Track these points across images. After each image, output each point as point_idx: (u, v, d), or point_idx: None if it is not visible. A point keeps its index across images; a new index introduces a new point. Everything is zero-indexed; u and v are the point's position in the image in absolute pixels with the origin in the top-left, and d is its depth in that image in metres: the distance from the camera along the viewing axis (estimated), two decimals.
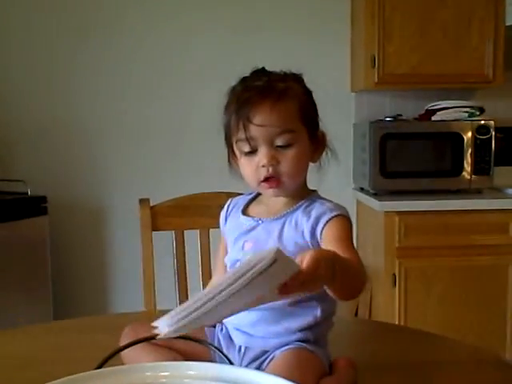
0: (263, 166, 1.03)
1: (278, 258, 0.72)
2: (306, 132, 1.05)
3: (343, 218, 1.04)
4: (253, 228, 1.08)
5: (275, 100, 1.01)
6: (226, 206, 1.17)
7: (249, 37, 3.24)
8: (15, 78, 3.24)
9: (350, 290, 0.94)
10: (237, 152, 1.07)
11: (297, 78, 1.09)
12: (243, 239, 1.08)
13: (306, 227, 1.03)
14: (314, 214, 1.04)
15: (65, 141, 3.27)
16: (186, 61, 3.26)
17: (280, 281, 0.76)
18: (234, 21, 3.25)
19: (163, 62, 3.26)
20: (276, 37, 3.22)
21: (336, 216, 1.03)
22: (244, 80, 1.07)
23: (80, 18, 3.22)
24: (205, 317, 0.70)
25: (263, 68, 1.09)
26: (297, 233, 1.04)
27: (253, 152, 1.03)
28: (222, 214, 1.17)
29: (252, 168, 1.04)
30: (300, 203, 1.07)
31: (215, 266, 1.18)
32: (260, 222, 1.08)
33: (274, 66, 1.10)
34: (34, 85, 3.24)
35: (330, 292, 0.89)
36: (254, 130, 1.01)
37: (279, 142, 1.02)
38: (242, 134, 1.02)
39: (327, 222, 1.02)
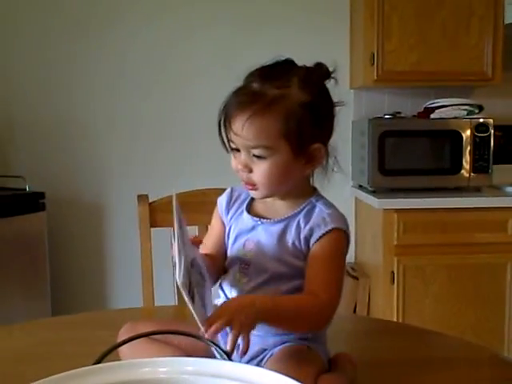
0: (239, 170, 1.03)
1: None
2: (290, 147, 0.99)
3: (338, 232, 1.02)
4: (253, 227, 1.07)
5: (256, 111, 0.97)
6: (227, 195, 1.15)
7: (247, 33, 3.23)
8: (14, 75, 3.24)
9: (297, 328, 0.99)
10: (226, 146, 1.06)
11: (305, 82, 1.01)
12: (244, 238, 1.07)
13: (302, 235, 1.03)
14: (311, 222, 1.03)
15: (63, 137, 3.26)
16: (185, 57, 3.25)
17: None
18: (232, 17, 3.25)
19: (162, 59, 3.25)
20: (275, 34, 3.21)
21: (331, 231, 1.01)
22: (251, 73, 1.04)
23: (79, 14, 3.21)
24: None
25: (286, 60, 1.05)
26: (295, 237, 1.03)
27: (237, 150, 1.03)
28: (223, 202, 1.14)
29: (235, 166, 1.04)
30: (302, 206, 1.06)
31: (204, 244, 1.15)
32: (260, 223, 1.07)
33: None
34: (33, 81, 3.24)
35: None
36: (232, 135, 1.00)
37: (254, 152, 1.00)
38: (224, 134, 1.02)
39: (320, 237, 1.01)
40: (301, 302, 0.97)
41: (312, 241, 1.02)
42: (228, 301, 0.95)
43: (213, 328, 0.86)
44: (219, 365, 0.72)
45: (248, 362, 1.02)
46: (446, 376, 1.08)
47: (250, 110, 0.96)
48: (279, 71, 1.02)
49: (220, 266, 1.10)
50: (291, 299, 0.98)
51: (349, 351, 1.09)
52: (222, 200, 1.15)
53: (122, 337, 1.05)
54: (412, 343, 1.27)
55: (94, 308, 3.21)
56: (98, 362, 0.81)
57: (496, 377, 1.10)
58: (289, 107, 0.98)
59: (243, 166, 1.01)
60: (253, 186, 1.03)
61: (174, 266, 0.85)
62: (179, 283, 0.83)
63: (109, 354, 0.78)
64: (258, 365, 1.01)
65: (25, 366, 1.12)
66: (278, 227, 1.05)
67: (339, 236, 1.02)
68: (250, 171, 1.01)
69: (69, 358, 1.03)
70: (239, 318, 0.87)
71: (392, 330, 1.41)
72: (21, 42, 3.21)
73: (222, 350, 0.85)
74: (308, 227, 1.02)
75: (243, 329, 0.88)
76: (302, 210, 1.05)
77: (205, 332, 0.86)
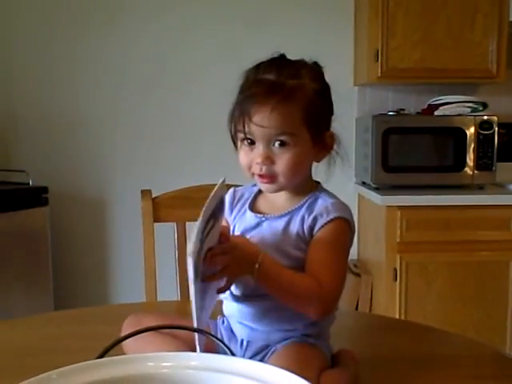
0: (257, 164, 1.02)
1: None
2: (309, 134, 1.03)
3: (341, 221, 1.02)
4: (257, 225, 1.07)
5: (278, 101, 0.98)
6: (230, 195, 1.15)
7: (250, 31, 3.23)
8: (18, 70, 3.24)
9: (289, 302, 0.98)
10: (237, 142, 1.06)
11: (313, 72, 1.05)
12: (249, 235, 1.07)
13: (306, 225, 1.03)
14: (314, 211, 1.03)
15: (67, 132, 3.26)
16: (188, 53, 3.25)
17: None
18: (235, 15, 3.24)
19: (166, 54, 3.25)
20: (278, 31, 3.21)
21: (333, 219, 1.01)
22: (258, 68, 1.04)
23: (83, 10, 3.21)
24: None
25: (282, 55, 1.06)
26: (299, 230, 1.03)
27: (251, 144, 1.03)
28: (227, 202, 1.14)
29: (248, 160, 1.03)
30: (304, 200, 1.06)
31: None
32: (264, 219, 1.07)
33: None
34: (37, 76, 3.24)
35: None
36: (253, 128, 1.00)
37: (277, 142, 1.00)
38: (241, 128, 1.01)
39: (323, 225, 1.01)
40: (301, 279, 0.97)
41: (316, 229, 1.02)
42: (236, 241, 0.94)
43: (208, 262, 0.89)
44: (223, 360, 0.72)
45: (251, 358, 1.02)
46: (448, 373, 1.07)
47: (273, 99, 0.98)
48: (288, 63, 1.04)
49: None
50: (293, 272, 0.98)
51: (351, 348, 1.09)
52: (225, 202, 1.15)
53: (125, 328, 1.05)
54: (414, 340, 1.27)
55: (96, 303, 3.21)
56: (101, 356, 0.81)
57: (498, 374, 1.10)
58: (307, 95, 1.02)
59: (264, 158, 1.01)
60: (271, 178, 1.02)
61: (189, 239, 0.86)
62: (189, 251, 0.84)
63: (112, 348, 0.78)
64: (261, 360, 1.01)
65: (27, 360, 1.12)
66: (282, 221, 1.05)
67: (342, 225, 1.03)
68: (272, 163, 1.01)
69: (72, 353, 1.03)
70: (233, 266, 0.92)
71: (394, 327, 1.40)
72: (25, 36, 3.21)
73: (225, 345, 0.85)
74: (312, 217, 1.03)
75: (230, 277, 0.94)
76: (305, 203, 1.06)
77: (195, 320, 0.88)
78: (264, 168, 1.01)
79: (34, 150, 3.26)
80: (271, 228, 1.05)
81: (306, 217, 1.03)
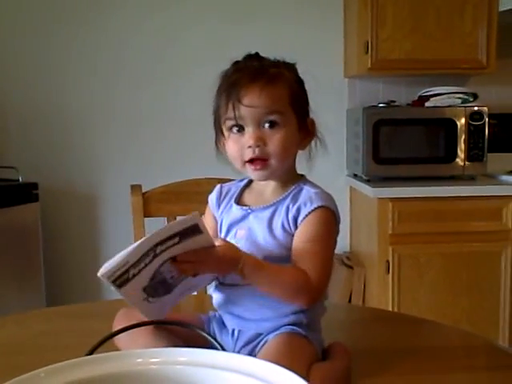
0: (249, 147, 1.02)
1: (199, 224, 0.89)
2: (295, 118, 1.05)
3: (325, 210, 1.03)
4: (244, 217, 1.08)
5: (265, 83, 1.01)
6: (216, 192, 1.16)
7: (241, 22, 3.21)
8: (7, 65, 3.21)
9: (277, 294, 0.99)
10: (225, 132, 1.07)
11: (289, 66, 1.09)
12: (236, 228, 1.08)
13: (290, 216, 1.03)
14: (298, 202, 1.04)
15: (56, 128, 3.25)
16: (177, 48, 3.24)
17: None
18: (225, 7, 3.23)
19: (155, 50, 3.23)
20: (268, 23, 3.20)
21: (316, 208, 1.02)
22: (236, 63, 1.07)
23: (74, 6, 3.19)
24: (133, 268, 0.86)
25: (256, 53, 1.09)
26: (284, 220, 1.04)
27: (240, 131, 1.04)
28: (214, 198, 1.16)
29: (238, 148, 1.04)
30: (289, 191, 1.07)
31: None
32: (250, 211, 1.08)
33: (266, 51, 1.09)
34: (27, 72, 3.21)
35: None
36: (243, 110, 1.01)
37: (267, 122, 1.02)
38: (230, 113, 1.02)
39: (306, 215, 1.02)
40: (288, 272, 0.99)
41: (300, 219, 1.02)
42: (221, 249, 0.94)
43: (183, 266, 0.92)
44: (212, 355, 0.71)
45: (243, 347, 1.03)
46: (441, 364, 1.07)
47: (261, 80, 1.01)
48: (260, 58, 1.08)
49: None
50: (279, 267, 1.00)
51: (343, 340, 1.09)
52: (212, 197, 1.17)
53: (117, 321, 1.05)
54: (407, 332, 1.27)
55: (88, 299, 3.20)
56: (90, 353, 0.80)
57: (491, 365, 1.10)
58: (289, 81, 1.06)
59: (257, 139, 1.02)
60: (264, 162, 1.03)
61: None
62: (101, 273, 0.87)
63: (100, 346, 0.77)
64: (252, 351, 1.02)
65: (17, 358, 1.11)
66: (268, 212, 1.06)
67: (326, 214, 1.03)
68: (265, 144, 1.02)
69: (62, 350, 1.02)
70: (213, 269, 0.96)
71: (387, 319, 1.40)
72: (15, 30, 3.18)
73: (215, 340, 0.85)
74: (296, 207, 1.03)
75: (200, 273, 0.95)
76: (289, 194, 1.07)
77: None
78: (257, 150, 1.02)
79: (24, 146, 3.24)
80: (257, 219, 1.06)
81: (291, 207, 1.04)
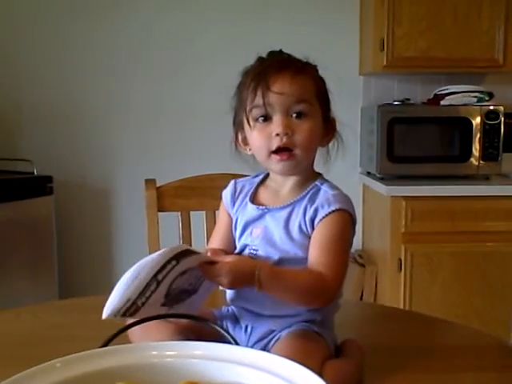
0: (277, 135, 1.01)
1: (189, 248, 0.89)
2: (321, 111, 1.05)
3: (343, 213, 1.02)
4: (260, 216, 1.07)
5: (295, 72, 1.02)
6: (231, 188, 1.15)
7: (255, 19, 3.21)
8: (25, 59, 3.23)
9: (295, 299, 0.99)
10: (250, 122, 1.05)
11: (312, 65, 1.09)
12: (251, 226, 1.07)
13: (308, 217, 1.03)
14: (316, 203, 1.03)
15: (71, 121, 3.26)
16: (194, 43, 3.24)
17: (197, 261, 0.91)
18: (243, 5, 3.23)
19: (172, 44, 3.24)
20: (284, 20, 3.19)
21: (334, 211, 1.01)
22: (261, 58, 1.07)
23: (91, 0, 3.20)
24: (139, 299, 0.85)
25: (280, 50, 1.09)
26: (301, 221, 1.03)
27: (267, 120, 1.02)
28: (228, 194, 1.14)
29: (265, 137, 1.02)
30: (307, 190, 1.06)
31: (212, 239, 1.17)
32: (266, 210, 1.07)
33: (283, 48, 1.09)
34: (43, 65, 3.23)
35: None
36: (272, 97, 1.00)
37: (296, 110, 1.02)
38: (259, 100, 1.01)
39: (323, 217, 1.01)
40: (304, 276, 0.98)
41: (316, 221, 1.02)
42: (234, 263, 0.95)
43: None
44: (227, 349, 0.72)
45: (256, 343, 1.03)
46: (452, 364, 1.07)
47: (290, 69, 1.02)
48: (284, 54, 1.08)
49: None
50: (295, 272, 0.99)
51: (356, 338, 1.09)
52: (226, 193, 1.16)
53: None
54: (419, 330, 1.27)
55: (101, 291, 3.21)
56: (105, 345, 0.81)
57: (502, 365, 1.10)
58: (314, 76, 1.07)
59: (285, 126, 1.01)
60: (290, 152, 1.02)
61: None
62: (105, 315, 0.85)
63: (115, 337, 0.78)
64: (265, 347, 1.02)
65: (32, 349, 1.12)
66: (284, 212, 1.05)
67: (344, 217, 1.02)
68: (293, 132, 1.01)
69: (76, 341, 1.03)
70: (232, 282, 0.93)
71: (399, 317, 1.40)
72: (30, 25, 3.20)
73: (230, 334, 0.85)
74: (313, 208, 1.03)
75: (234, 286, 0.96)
76: (307, 194, 1.06)
77: None
78: (285, 138, 1.01)
79: (39, 139, 3.26)
80: (273, 219, 1.05)
81: (308, 208, 1.03)
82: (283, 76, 1.01)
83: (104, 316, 0.83)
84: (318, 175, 1.10)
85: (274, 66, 1.02)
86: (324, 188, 1.05)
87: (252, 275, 0.93)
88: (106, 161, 3.30)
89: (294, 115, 1.02)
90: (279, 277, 0.96)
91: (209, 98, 3.19)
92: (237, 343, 0.80)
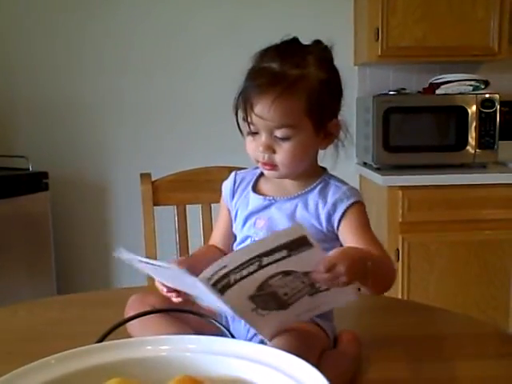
0: (260, 152, 1.03)
1: (307, 236, 0.76)
2: (312, 125, 1.03)
3: (360, 204, 1.05)
4: (266, 207, 1.07)
5: (280, 93, 0.97)
6: (231, 180, 1.15)
7: (251, 10, 3.20)
8: (18, 54, 3.21)
9: (383, 285, 0.98)
10: (243, 130, 1.06)
11: (320, 60, 1.04)
12: (255, 217, 1.08)
13: (323, 212, 1.03)
14: (330, 199, 1.04)
15: (66, 117, 3.25)
16: (187, 36, 3.22)
17: (306, 267, 0.80)
18: None
19: (164, 38, 3.22)
20: (278, 8, 3.18)
21: (353, 204, 1.04)
22: (265, 53, 1.04)
23: None
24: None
25: (294, 39, 1.06)
26: (311, 215, 1.04)
27: (254, 134, 1.03)
28: (228, 187, 1.15)
29: (253, 148, 1.04)
30: (314, 184, 1.07)
31: (213, 235, 1.17)
32: (273, 201, 1.07)
33: (276, 37, 1.07)
34: (37, 60, 3.21)
35: (362, 288, 0.92)
36: (255, 119, 1.01)
37: (277, 133, 1.01)
38: (244, 116, 1.02)
39: (345, 211, 1.03)
40: (381, 257, 0.98)
41: (337, 215, 1.03)
42: (342, 250, 0.88)
43: (329, 275, 0.81)
44: (222, 343, 0.71)
45: (255, 335, 1.02)
46: (451, 352, 1.07)
47: (274, 92, 0.97)
48: (294, 50, 1.03)
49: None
50: (372, 253, 0.96)
51: (354, 328, 1.09)
52: (226, 185, 1.16)
53: (129, 308, 1.05)
54: (417, 320, 1.27)
55: (98, 287, 3.22)
56: (101, 340, 0.80)
57: (501, 353, 1.10)
58: (310, 86, 1.00)
59: (265, 147, 1.02)
60: (272, 166, 1.03)
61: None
62: (200, 276, 0.77)
63: (110, 333, 0.77)
64: (263, 340, 1.01)
65: (30, 346, 1.12)
66: (291, 204, 1.06)
67: (362, 207, 1.05)
68: (273, 152, 1.02)
69: (74, 337, 1.03)
70: (353, 270, 0.83)
71: (397, 307, 1.40)
72: (23, 20, 3.18)
73: (226, 328, 0.85)
74: (330, 203, 1.04)
75: (354, 279, 0.85)
76: (315, 188, 1.06)
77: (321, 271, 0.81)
78: (266, 156, 1.02)
79: (34, 135, 3.25)
80: (279, 210, 1.06)
81: (322, 202, 1.04)
82: (265, 99, 0.98)
83: (199, 276, 0.77)
84: (323, 170, 1.11)
85: (261, 84, 0.99)
86: (334, 183, 1.07)
87: (365, 263, 0.88)
88: (101, 156, 3.29)
89: (277, 135, 1.01)
90: (375, 263, 0.91)
91: (203, 92, 3.19)
92: (233, 336, 0.79)
